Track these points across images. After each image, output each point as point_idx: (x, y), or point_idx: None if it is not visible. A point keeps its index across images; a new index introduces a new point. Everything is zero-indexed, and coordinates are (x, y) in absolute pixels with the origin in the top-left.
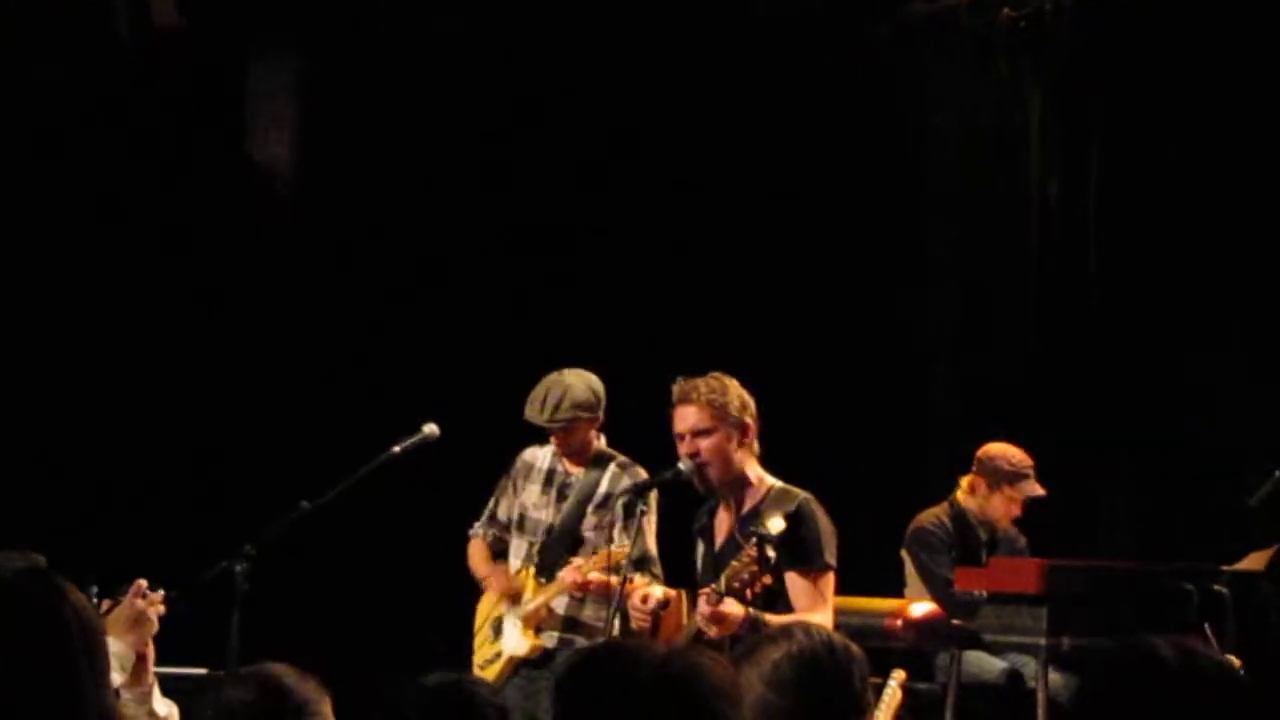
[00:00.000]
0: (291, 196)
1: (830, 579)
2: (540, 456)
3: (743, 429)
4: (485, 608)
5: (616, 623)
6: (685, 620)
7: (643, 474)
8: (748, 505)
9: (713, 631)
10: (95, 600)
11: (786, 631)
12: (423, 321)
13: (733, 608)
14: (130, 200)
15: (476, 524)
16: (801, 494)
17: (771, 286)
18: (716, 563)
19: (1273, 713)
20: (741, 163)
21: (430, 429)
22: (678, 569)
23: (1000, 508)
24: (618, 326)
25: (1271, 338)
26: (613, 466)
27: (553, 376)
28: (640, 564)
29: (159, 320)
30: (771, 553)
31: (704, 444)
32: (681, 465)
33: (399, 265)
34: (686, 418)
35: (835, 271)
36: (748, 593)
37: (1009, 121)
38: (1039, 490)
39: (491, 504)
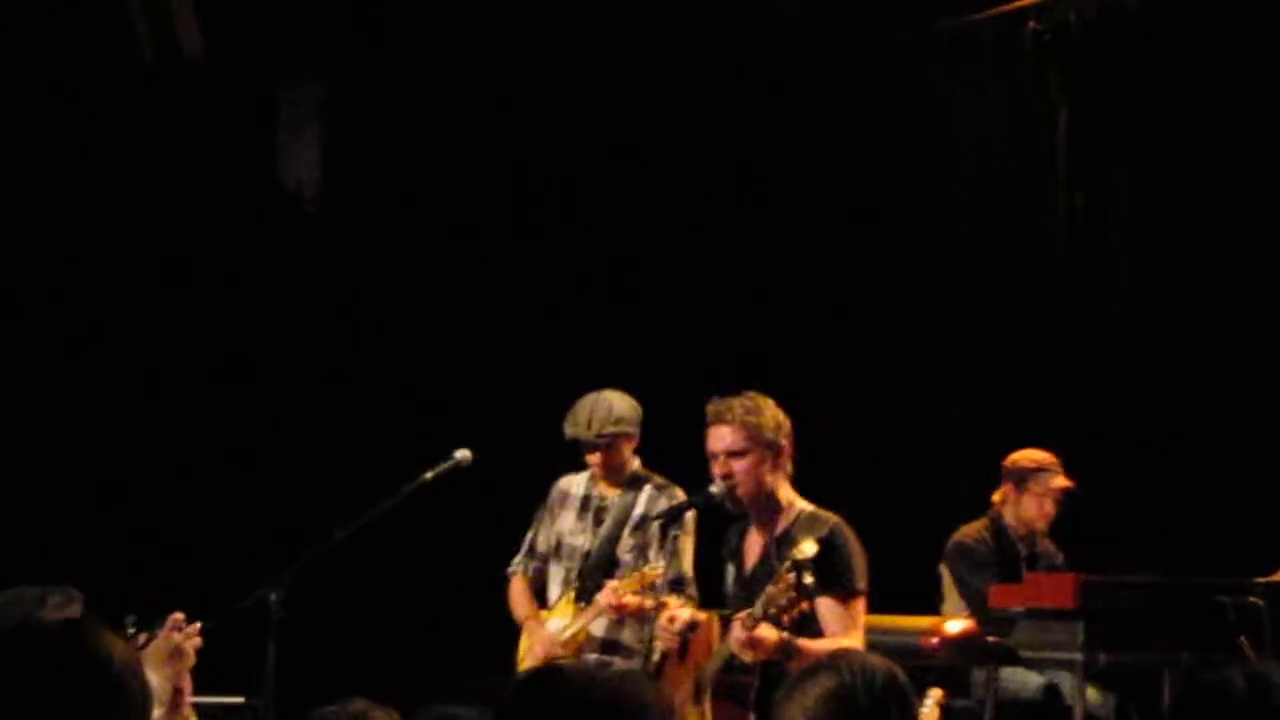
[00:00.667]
0: (319, 216)
1: (861, 603)
2: (575, 483)
3: (776, 450)
4: (526, 648)
5: (655, 645)
6: (715, 643)
7: (680, 494)
8: (779, 528)
9: (747, 656)
10: (133, 633)
11: (829, 665)
12: (453, 342)
13: (767, 632)
14: (159, 223)
15: (515, 560)
16: (833, 518)
17: (792, 300)
18: (748, 586)
19: None
20: (759, 173)
21: (463, 454)
22: (708, 591)
23: (1034, 509)
24: (648, 345)
25: None
26: (649, 488)
27: (592, 395)
28: (676, 585)
29: (189, 345)
30: (809, 579)
31: (737, 465)
32: (713, 488)
33: (427, 286)
34: (721, 438)
35: (856, 287)
36: (785, 618)
37: (1033, 134)
38: (1066, 482)
39: (530, 536)
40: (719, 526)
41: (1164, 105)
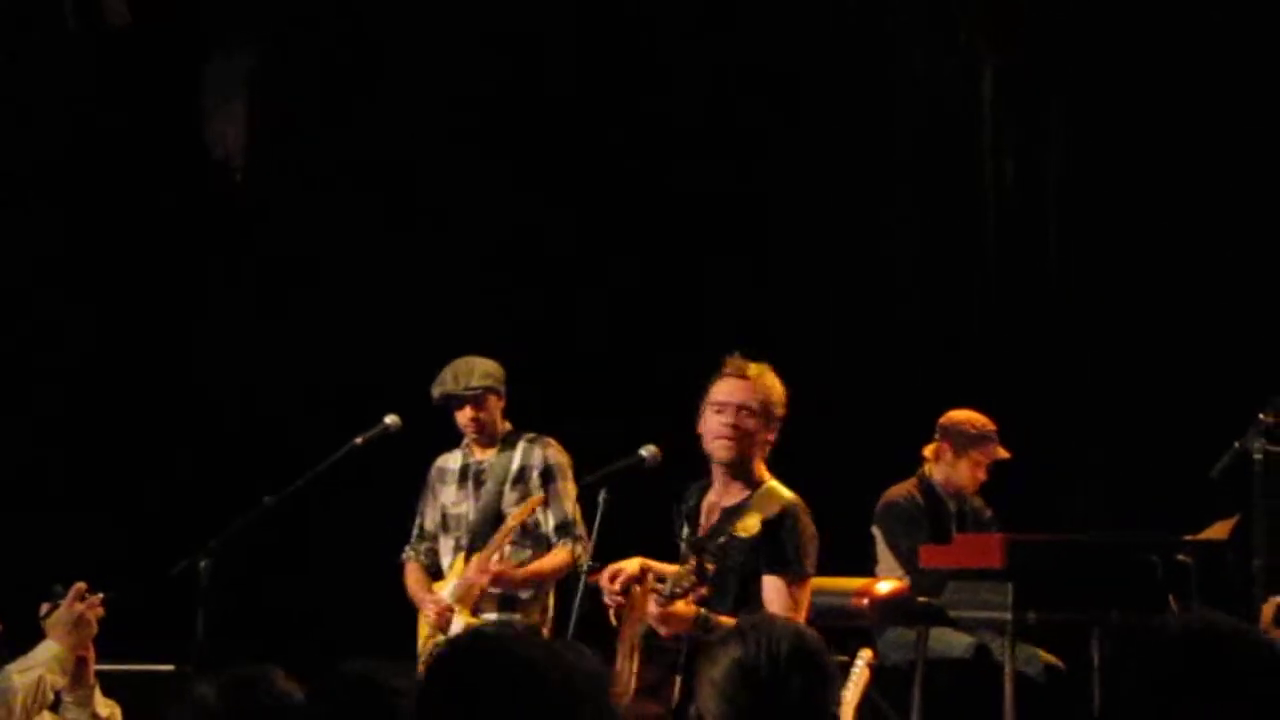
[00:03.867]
0: (246, 184)
1: (807, 587)
2: (451, 459)
3: (771, 426)
4: (425, 630)
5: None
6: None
7: (553, 444)
8: (738, 498)
9: (663, 631)
10: (54, 604)
11: (737, 635)
12: (381, 310)
13: (682, 608)
14: (86, 193)
15: (406, 547)
16: (789, 496)
17: (723, 262)
18: (696, 548)
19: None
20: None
21: (392, 419)
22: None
23: (966, 473)
24: (578, 312)
25: (1230, 313)
26: (522, 443)
27: (454, 361)
28: (561, 530)
29: (115, 311)
30: (710, 566)
31: (746, 422)
32: (643, 451)
33: (356, 254)
34: (737, 392)
35: (789, 247)
36: (689, 598)
37: (969, 95)
38: (1004, 453)
39: (418, 520)
40: (646, 492)
41: (1099, 70)
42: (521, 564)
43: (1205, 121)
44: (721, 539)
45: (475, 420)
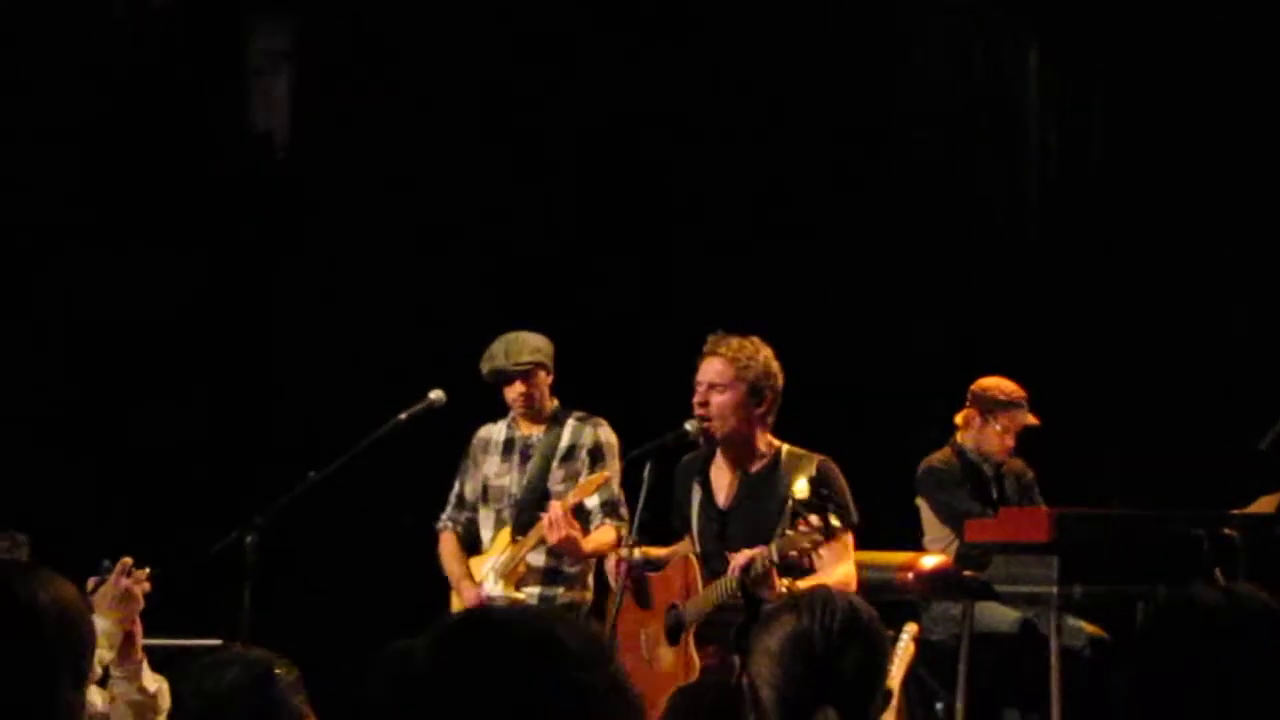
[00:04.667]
0: (288, 162)
1: (851, 537)
2: (495, 430)
3: (760, 396)
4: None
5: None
6: (696, 582)
7: (604, 424)
8: (755, 467)
9: (765, 593)
10: (101, 580)
11: (791, 606)
12: (423, 288)
13: (777, 582)
14: (129, 173)
15: (443, 515)
16: (817, 456)
17: (760, 240)
18: (724, 520)
19: None
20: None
21: (437, 395)
22: (660, 525)
23: (994, 440)
24: (606, 293)
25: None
26: (572, 421)
27: (504, 335)
28: (607, 508)
29: (159, 291)
30: (835, 521)
31: (716, 398)
32: (688, 425)
33: (398, 232)
34: (707, 371)
35: (826, 230)
36: (806, 561)
37: (1006, 77)
38: (1032, 420)
39: (456, 488)
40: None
41: (1140, 45)
42: None
43: (1244, 100)
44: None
45: (525, 395)
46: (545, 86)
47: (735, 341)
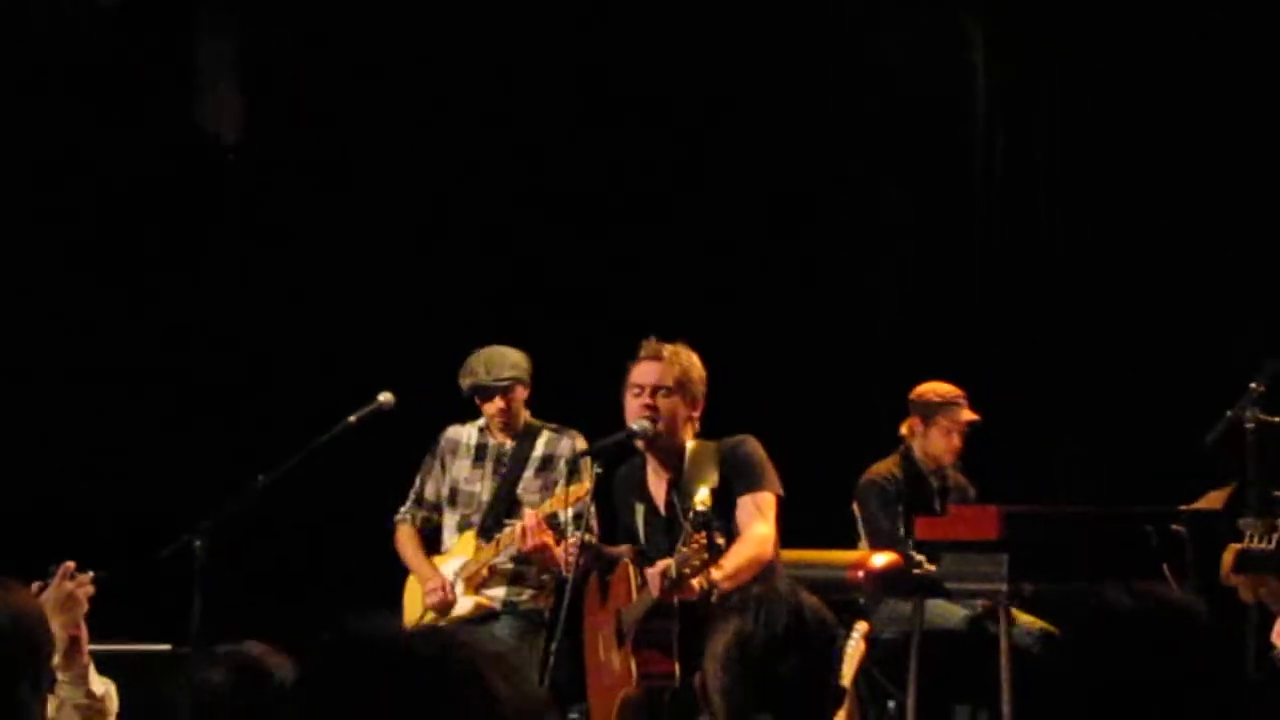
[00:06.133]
0: (238, 165)
1: (767, 497)
2: (466, 433)
3: (694, 402)
4: (413, 588)
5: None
6: (633, 586)
7: (579, 436)
8: (680, 469)
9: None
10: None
11: (739, 607)
12: (371, 289)
13: (694, 584)
14: (78, 170)
15: (402, 508)
16: (714, 444)
17: (711, 241)
18: (667, 529)
19: (1229, 646)
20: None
21: (385, 398)
22: (607, 529)
23: (940, 442)
24: (560, 294)
25: (1220, 284)
26: (546, 432)
27: (484, 349)
28: (579, 520)
29: (108, 290)
30: (720, 540)
31: (663, 401)
32: (636, 425)
33: (347, 234)
34: (651, 373)
35: (779, 228)
36: (699, 580)
37: (954, 71)
38: (972, 415)
39: (417, 484)
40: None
41: (1086, 42)
42: None
43: (1194, 94)
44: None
45: (503, 411)
46: (492, 86)
47: (669, 346)
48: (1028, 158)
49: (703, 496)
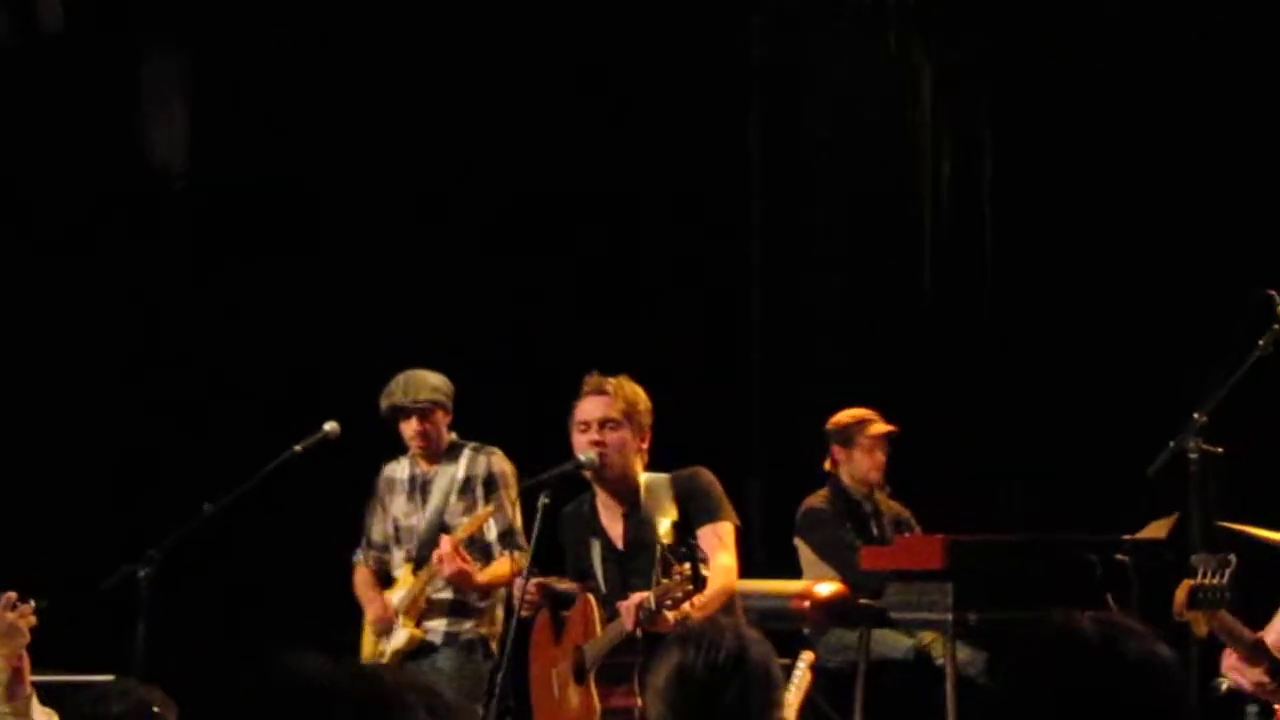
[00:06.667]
0: (187, 192)
1: (729, 529)
2: (398, 469)
3: (642, 433)
4: (370, 641)
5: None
6: (595, 623)
7: (497, 453)
8: (634, 503)
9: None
10: None
11: (680, 640)
12: (322, 317)
13: (670, 617)
14: (24, 201)
15: (358, 550)
16: (665, 477)
17: (650, 273)
18: (624, 563)
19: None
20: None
21: (331, 427)
22: (551, 561)
23: (864, 461)
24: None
25: (1166, 313)
26: (467, 451)
27: (405, 371)
28: (505, 539)
29: (53, 319)
30: (706, 571)
31: (611, 436)
32: (583, 456)
33: (297, 260)
34: (598, 408)
35: (721, 258)
36: (680, 611)
37: (897, 104)
38: (887, 426)
39: (365, 527)
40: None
41: (1031, 74)
42: None
43: (1136, 122)
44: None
45: (421, 434)
46: (445, 107)
47: (613, 380)
48: (974, 186)
49: (666, 529)
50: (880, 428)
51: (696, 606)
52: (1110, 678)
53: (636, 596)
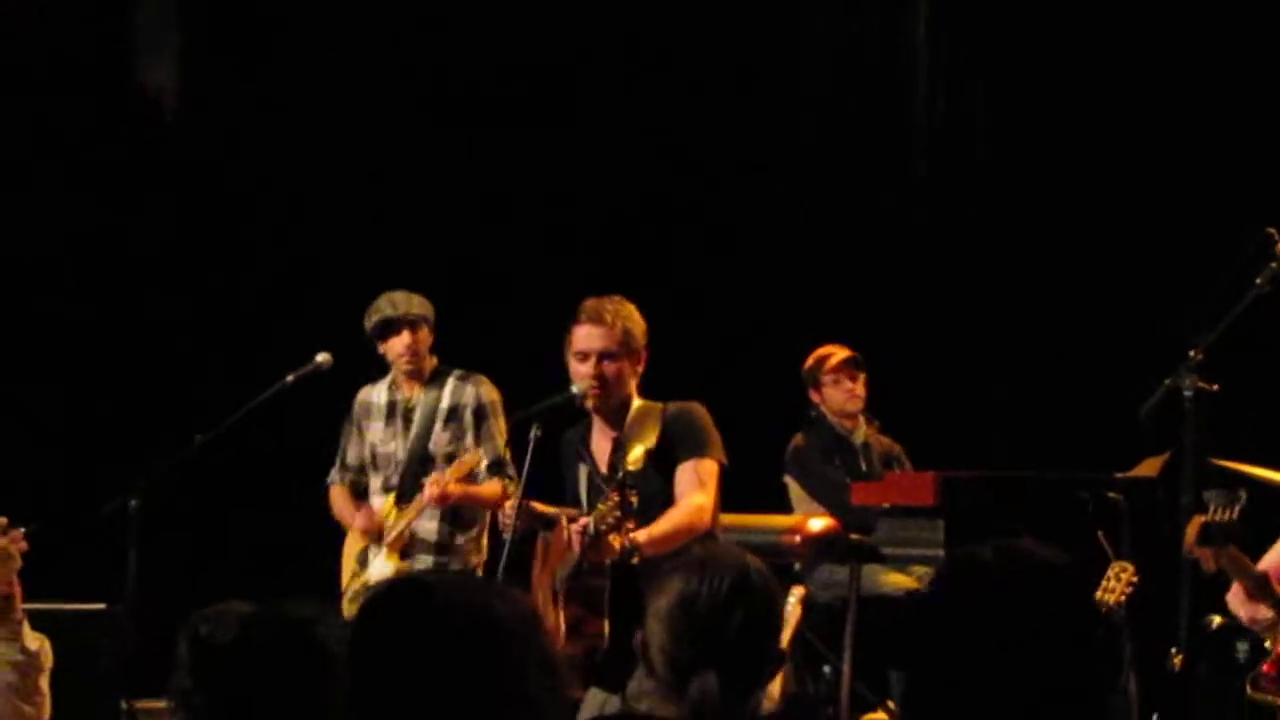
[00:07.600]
0: (177, 122)
1: (711, 468)
2: (376, 392)
3: (638, 357)
4: (350, 548)
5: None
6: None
7: (485, 381)
8: (623, 430)
9: (592, 557)
10: None
11: (683, 568)
12: (309, 251)
13: (612, 540)
14: (15, 130)
15: (332, 471)
16: (658, 406)
17: (644, 209)
18: (618, 484)
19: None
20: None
21: (323, 358)
22: (551, 491)
23: (837, 394)
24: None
25: (1162, 250)
26: (452, 380)
27: (386, 293)
28: (494, 468)
29: (40, 251)
30: (634, 499)
31: (609, 367)
32: (575, 388)
33: (287, 194)
34: (596, 338)
35: (711, 195)
36: (617, 539)
37: (893, 37)
38: (846, 352)
39: (340, 450)
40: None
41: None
42: None
43: (1130, 79)
44: (628, 470)
45: (410, 348)
46: (442, 51)
47: (610, 306)
48: (967, 120)
49: (636, 455)
50: (838, 356)
51: (650, 538)
52: (1006, 595)
53: (581, 521)
